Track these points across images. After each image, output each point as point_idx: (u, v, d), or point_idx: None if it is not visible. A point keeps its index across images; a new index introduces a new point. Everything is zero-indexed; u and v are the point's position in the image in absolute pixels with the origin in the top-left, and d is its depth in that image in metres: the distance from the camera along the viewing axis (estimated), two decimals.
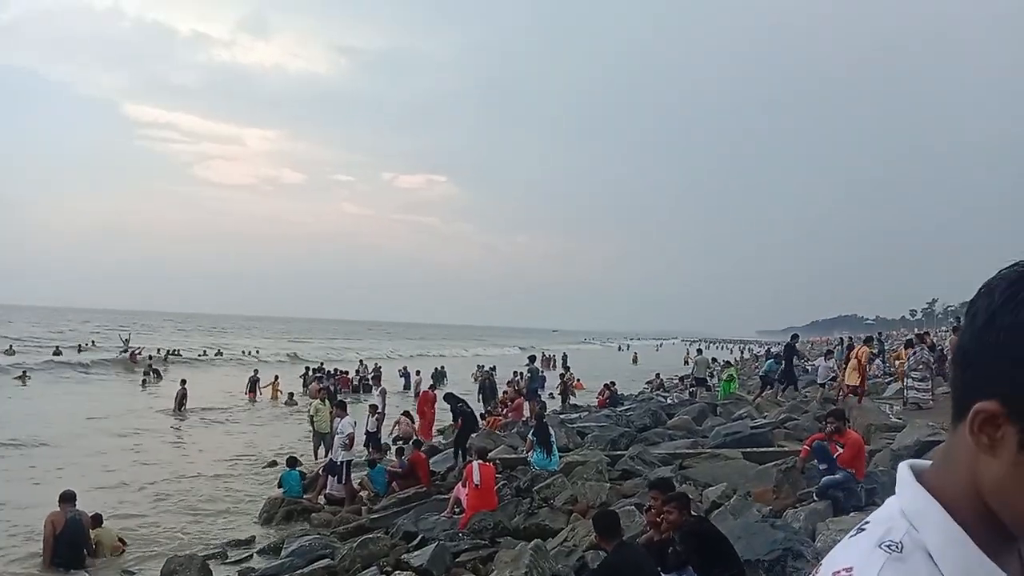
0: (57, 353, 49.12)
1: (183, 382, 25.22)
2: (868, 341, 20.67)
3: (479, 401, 22.17)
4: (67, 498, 9.70)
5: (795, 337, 24.15)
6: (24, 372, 33.54)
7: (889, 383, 21.85)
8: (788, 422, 15.92)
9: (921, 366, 17.61)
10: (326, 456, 14.93)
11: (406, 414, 19.44)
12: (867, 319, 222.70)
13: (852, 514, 8.46)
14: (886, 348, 32.60)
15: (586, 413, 21.49)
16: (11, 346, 50.43)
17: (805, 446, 9.97)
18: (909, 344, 20.38)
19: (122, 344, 48.96)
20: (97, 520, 10.44)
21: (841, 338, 49.80)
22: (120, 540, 10.53)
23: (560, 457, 12.88)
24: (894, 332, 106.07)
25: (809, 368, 36.57)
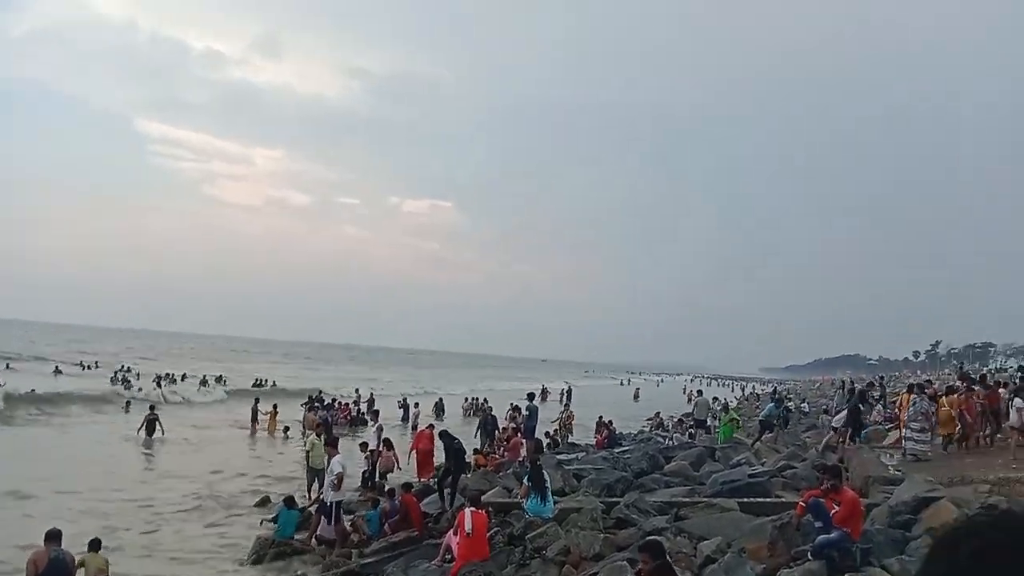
0: (57, 372, 49.47)
1: (152, 408, 25.89)
2: (911, 389, 20.13)
3: (476, 437, 21.93)
4: (52, 536, 9.57)
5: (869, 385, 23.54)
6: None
7: (889, 429, 21.62)
8: (786, 470, 15.72)
9: (920, 416, 17.45)
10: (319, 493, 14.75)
11: (387, 443, 19.03)
12: (870, 359, 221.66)
13: (847, 575, 8.34)
14: (887, 391, 32.47)
15: (583, 454, 21.28)
16: (7, 363, 50.58)
17: (801, 502, 9.85)
18: (911, 389, 20.16)
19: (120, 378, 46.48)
20: (95, 545, 10.34)
21: (843, 380, 49.64)
22: (106, 565, 10.37)
23: (556, 502, 12.74)
24: (896, 373, 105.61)
25: (806, 409, 36.43)
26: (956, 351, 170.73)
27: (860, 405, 21.40)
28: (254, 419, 28.72)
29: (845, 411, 20.32)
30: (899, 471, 15.09)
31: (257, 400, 30.90)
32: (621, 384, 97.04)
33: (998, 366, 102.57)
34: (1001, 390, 19.52)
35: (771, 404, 23.39)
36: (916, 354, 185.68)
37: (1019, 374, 26.13)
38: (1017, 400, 18.15)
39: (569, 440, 25.82)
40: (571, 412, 31.02)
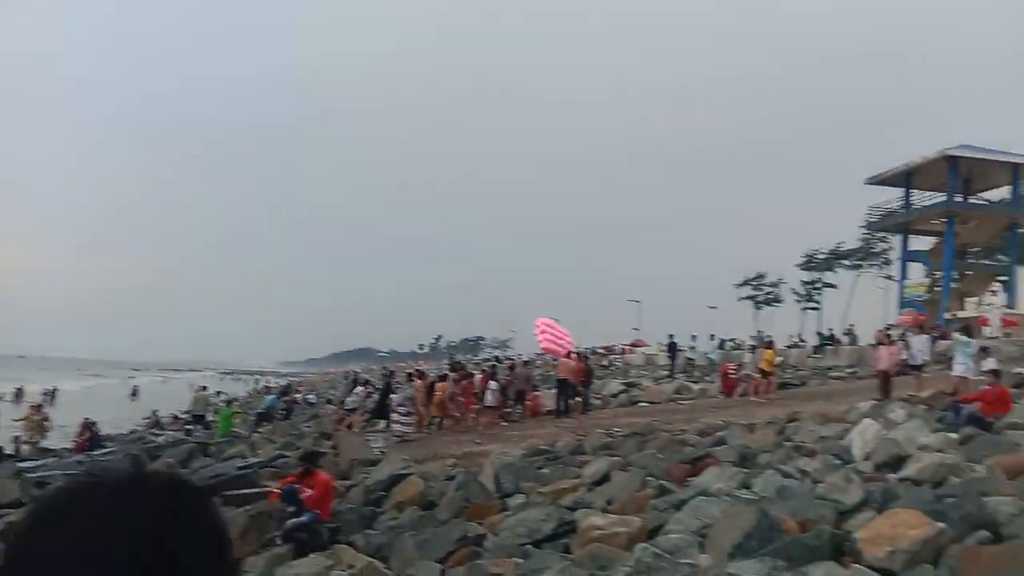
0: None
1: None
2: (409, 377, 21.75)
3: None
4: None
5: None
6: None
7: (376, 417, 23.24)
8: (278, 460, 15.73)
9: (408, 402, 19.06)
10: None
11: None
12: (381, 352, 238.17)
13: (313, 555, 8.46)
14: (392, 381, 35.07)
15: (55, 459, 18.64)
16: None
17: (276, 489, 9.81)
18: (411, 377, 22.20)
19: None
20: None
21: (353, 371, 52.06)
22: None
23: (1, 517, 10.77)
24: (402, 364, 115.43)
25: (313, 400, 37.46)
26: (454, 344, 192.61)
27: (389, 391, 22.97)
28: None
29: (359, 395, 21.84)
30: (384, 452, 16.16)
31: None
32: (127, 382, 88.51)
33: (486, 356, 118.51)
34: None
35: (272, 396, 23.34)
36: (421, 346, 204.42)
37: (493, 360, 30.29)
38: (492, 383, 20.99)
39: (41, 445, 22.51)
40: (45, 414, 27.05)
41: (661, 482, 9.31)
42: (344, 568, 7.73)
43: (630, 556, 5.64)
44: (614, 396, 27.99)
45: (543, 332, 27.11)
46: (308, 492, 9.24)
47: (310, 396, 39.27)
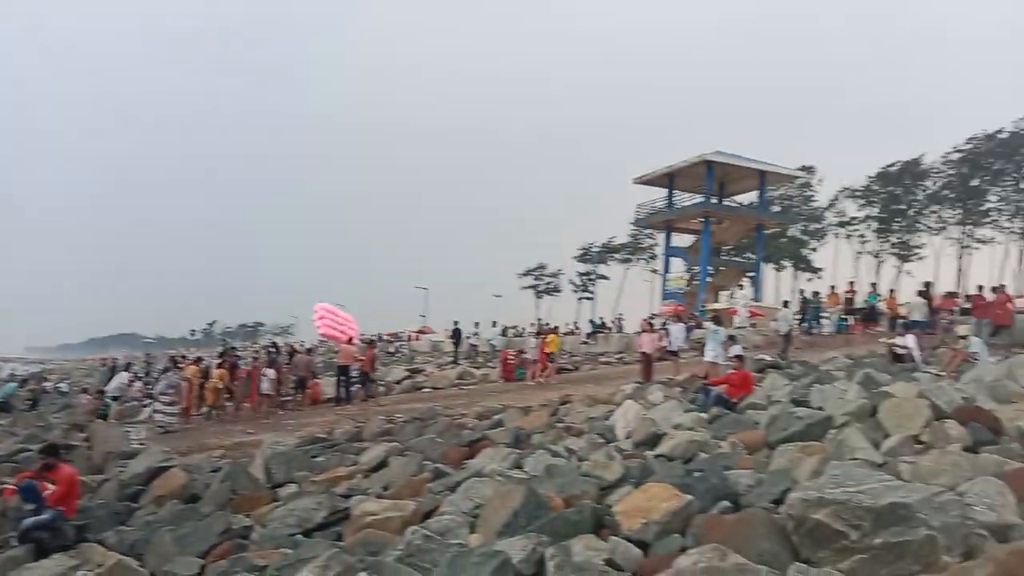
0: None
1: None
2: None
3: None
4: None
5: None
6: None
7: (145, 406, 21.59)
8: (20, 454, 14.12)
9: (171, 390, 17.79)
10: None
11: None
12: (147, 337, 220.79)
13: (57, 556, 7.65)
14: (151, 370, 32.66)
15: None
16: None
17: (10, 486, 8.78)
18: (175, 363, 20.79)
19: None
20: None
21: (113, 358, 47.88)
22: None
23: None
24: (172, 351, 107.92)
25: (64, 389, 34.08)
26: (231, 329, 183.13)
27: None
28: None
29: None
30: (144, 444, 14.99)
31: None
32: None
33: (267, 342, 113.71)
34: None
35: (12, 384, 20.91)
36: (193, 332, 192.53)
37: (271, 347, 29.13)
38: (269, 371, 20.13)
39: None
40: None
41: (438, 465, 9.40)
42: (92, 568, 7.08)
43: (401, 540, 5.62)
44: (398, 382, 27.94)
45: (322, 318, 26.45)
46: (50, 488, 8.35)
47: (62, 385, 35.63)
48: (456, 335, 33.33)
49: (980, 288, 21.43)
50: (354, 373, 21.58)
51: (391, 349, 49.03)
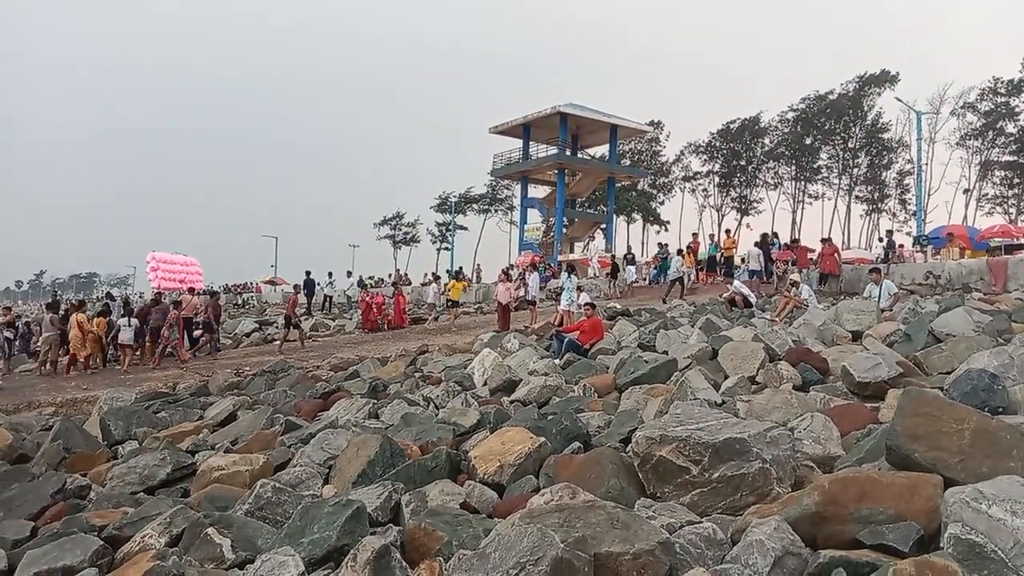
0: None
1: None
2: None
3: None
4: None
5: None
6: None
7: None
8: None
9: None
10: None
11: None
12: None
13: None
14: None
15: None
16: None
17: None
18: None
19: None
20: None
21: None
22: None
23: None
24: None
25: None
26: (61, 280, 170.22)
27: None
28: None
29: None
30: None
31: None
32: None
33: (101, 294, 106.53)
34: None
35: None
36: (19, 283, 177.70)
37: (106, 298, 27.38)
38: (132, 320, 18.89)
39: None
40: None
41: (290, 418, 9.16)
42: None
43: (251, 493, 5.43)
44: (247, 335, 26.96)
45: (155, 269, 24.94)
46: None
47: None
48: (308, 286, 32.41)
49: (796, 240, 23.09)
50: (197, 325, 20.63)
51: (239, 300, 47.22)
